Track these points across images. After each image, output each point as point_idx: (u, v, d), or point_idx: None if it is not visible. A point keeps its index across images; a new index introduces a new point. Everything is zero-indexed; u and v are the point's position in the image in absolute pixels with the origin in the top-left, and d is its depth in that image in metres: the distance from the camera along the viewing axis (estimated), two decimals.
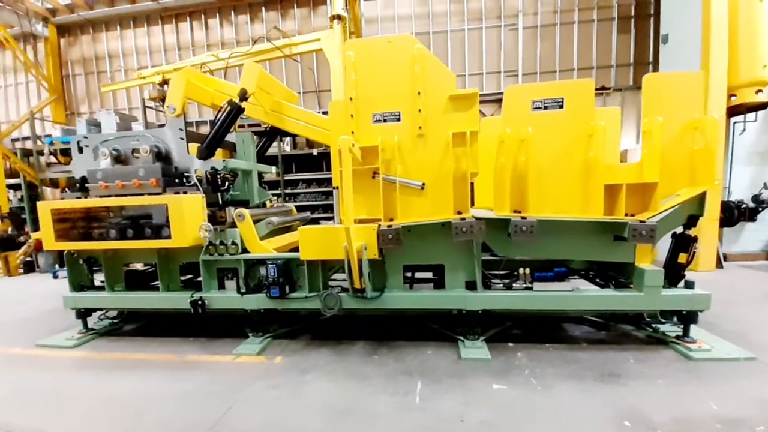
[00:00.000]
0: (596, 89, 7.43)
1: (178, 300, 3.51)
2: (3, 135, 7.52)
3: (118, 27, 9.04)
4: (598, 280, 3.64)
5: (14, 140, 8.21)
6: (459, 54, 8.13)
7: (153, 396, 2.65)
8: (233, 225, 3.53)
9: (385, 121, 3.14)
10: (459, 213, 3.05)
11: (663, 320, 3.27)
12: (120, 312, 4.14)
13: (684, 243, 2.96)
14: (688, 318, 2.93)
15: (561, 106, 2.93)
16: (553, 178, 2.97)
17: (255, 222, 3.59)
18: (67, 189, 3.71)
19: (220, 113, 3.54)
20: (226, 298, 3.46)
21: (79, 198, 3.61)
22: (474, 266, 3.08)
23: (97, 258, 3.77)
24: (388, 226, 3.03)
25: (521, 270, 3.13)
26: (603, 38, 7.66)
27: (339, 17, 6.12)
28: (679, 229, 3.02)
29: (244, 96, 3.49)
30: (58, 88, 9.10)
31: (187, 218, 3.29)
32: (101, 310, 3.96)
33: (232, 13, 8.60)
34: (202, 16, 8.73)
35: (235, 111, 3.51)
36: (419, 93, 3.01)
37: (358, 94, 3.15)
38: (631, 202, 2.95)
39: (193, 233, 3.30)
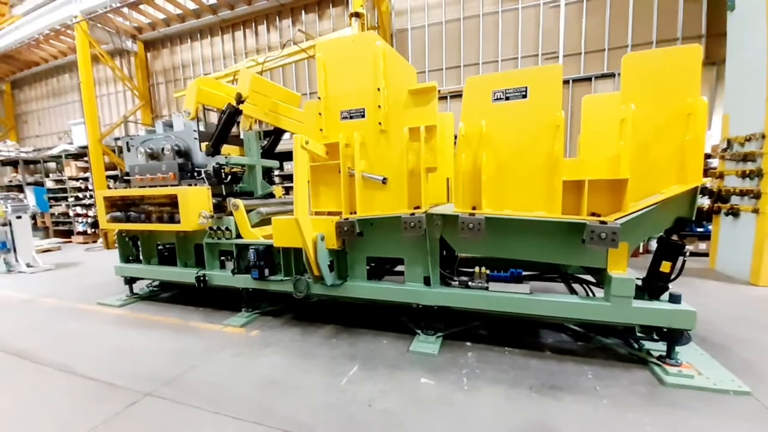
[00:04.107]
0: None
1: (190, 275, 4.16)
2: (103, 135, 9.39)
3: (189, 40, 10.49)
4: (585, 286, 3.30)
5: (116, 139, 10.13)
6: (492, 39, 7.65)
7: (147, 349, 3.27)
8: (231, 213, 4.04)
9: (351, 117, 3.27)
10: (417, 208, 3.06)
11: (657, 338, 2.86)
12: (161, 282, 5.03)
13: (669, 250, 2.54)
14: (670, 336, 2.54)
15: (524, 96, 2.72)
16: (515, 173, 2.78)
17: (249, 211, 4.06)
18: (117, 180, 4.61)
19: (222, 115, 4.03)
20: (223, 276, 3.99)
21: (123, 188, 4.48)
22: (427, 261, 3.07)
23: (137, 236, 4.65)
24: (346, 219, 3.19)
25: (477, 269, 3.02)
26: (666, 7, 6.48)
27: (357, 14, 6.30)
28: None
29: (239, 99, 3.92)
30: (146, 95, 10.97)
31: (192, 207, 3.87)
32: (141, 279, 4.86)
33: (277, 18, 9.33)
34: (253, 23, 9.65)
35: (233, 113, 3.96)
36: (379, 89, 3.06)
37: (328, 92, 3.32)
38: (607, 201, 2.63)
39: (196, 219, 3.88)
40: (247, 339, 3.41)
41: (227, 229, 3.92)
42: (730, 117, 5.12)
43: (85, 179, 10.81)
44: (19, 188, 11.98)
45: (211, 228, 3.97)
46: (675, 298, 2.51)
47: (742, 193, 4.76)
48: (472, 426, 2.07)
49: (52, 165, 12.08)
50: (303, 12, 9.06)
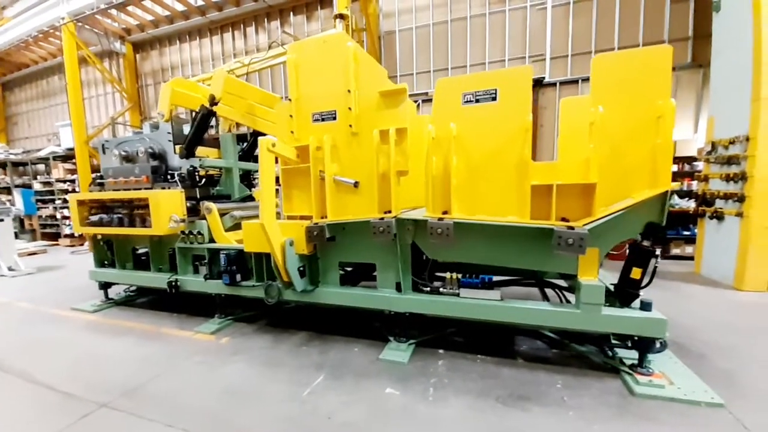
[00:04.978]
0: None
1: (163, 280, 4.07)
2: (90, 137, 9.30)
3: (178, 41, 10.43)
4: (558, 292, 3.24)
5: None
6: (479, 41, 7.61)
7: (113, 357, 3.18)
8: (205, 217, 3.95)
9: (323, 120, 3.20)
10: (388, 212, 2.99)
11: (630, 346, 2.79)
12: (138, 287, 4.93)
13: (639, 256, 2.48)
14: (642, 345, 2.47)
15: (494, 98, 2.66)
16: (486, 177, 2.72)
17: (223, 215, 3.98)
18: (92, 184, 4.52)
19: (195, 117, 3.95)
20: (195, 281, 3.90)
21: (98, 191, 4.39)
22: (398, 267, 3.00)
23: (112, 241, 4.55)
24: (315, 224, 3.12)
25: (448, 275, 2.95)
26: (653, 8, 6.46)
27: (342, 16, 6.26)
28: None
29: (213, 101, 3.84)
30: (134, 97, 10.90)
31: (163, 210, 3.79)
32: (115, 284, 4.76)
33: (265, 20, 9.28)
34: (241, 25, 9.60)
35: (206, 114, 3.89)
36: (349, 91, 3.00)
37: (299, 94, 3.25)
38: (578, 206, 2.56)
39: (168, 223, 3.80)
40: (216, 346, 3.33)
41: (199, 233, 3.85)
42: (715, 119, 5.09)
43: (72, 181, 10.70)
44: (8, 190, 11.86)
45: (183, 232, 3.89)
46: (646, 306, 2.44)
47: (726, 197, 4.71)
48: None
49: (40, 167, 11.96)
50: (291, 14, 9.02)
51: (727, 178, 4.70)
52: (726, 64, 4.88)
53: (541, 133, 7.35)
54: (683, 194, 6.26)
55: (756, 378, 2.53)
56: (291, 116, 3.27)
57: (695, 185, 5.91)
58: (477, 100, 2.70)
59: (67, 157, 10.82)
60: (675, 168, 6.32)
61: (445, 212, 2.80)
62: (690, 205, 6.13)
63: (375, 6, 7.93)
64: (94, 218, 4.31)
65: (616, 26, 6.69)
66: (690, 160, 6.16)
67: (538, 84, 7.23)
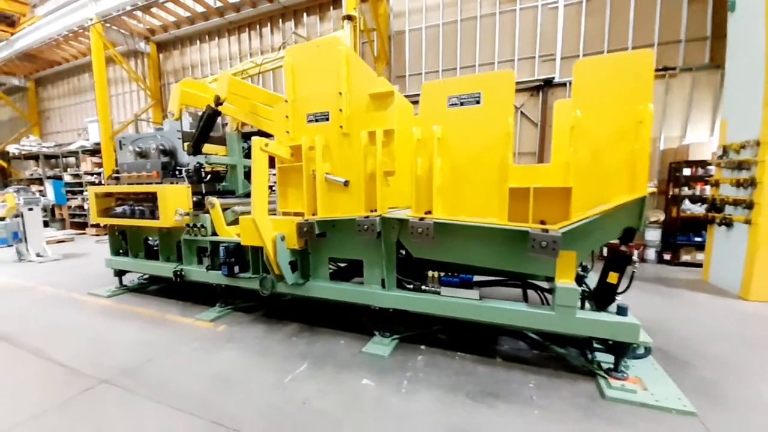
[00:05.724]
0: (657, 70, 6.25)
1: (169, 269, 4.32)
2: (115, 133, 9.82)
3: (198, 41, 10.83)
4: (540, 293, 3.25)
5: None
6: (489, 41, 7.56)
7: (119, 339, 3.43)
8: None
9: (317, 120, 3.33)
10: (373, 211, 3.09)
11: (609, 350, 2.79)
12: (151, 275, 5.23)
13: (616, 260, 2.48)
14: (617, 349, 2.48)
15: (478, 102, 2.72)
16: (470, 179, 2.78)
17: (226, 209, 4.18)
18: (109, 178, 4.84)
19: (201, 117, 4.16)
20: (198, 271, 4.13)
21: (114, 185, 4.70)
22: (383, 264, 3.10)
23: (125, 231, 4.86)
24: (306, 220, 3.26)
25: (430, 273, 3.03)
26: (670, 7, 6.23)
27: (349, 17, 6.37)
28: None
29: (218, 101, 4.05)
30: (157, 95, 11.41)
31: (170, 204, 4.03)
32: (129, 271, 5.07)
33: (280, 20, 9.51)
34: (257, 26, 9.87)
35: (211, 114, 4.09)
36: (340, 93, 3.11)
37: (296, 96, 3.40)
38: (558, 210, 2.58)
39: (174, 216, 4.04)
40: (213, 334, 3.53)
41: (203, 226, 4.06)
42: (728, 122, 4.90)
43: (99, 174, 11.33)
44: (40, 181, 12.67)
45: (188, 225, 4.12)
46: (622, 310, 2.45)
47: (736, 203, 4.55)
48: (394, 429, 2.09)
49: (71, 160, 12.72)
50: (305, 14, 9.21)
51: (738, 184, 4.53)
52: (740, 66, 4.69)
53: (549, 133, 7.24)
54: (695, 199, 6.05)
55: (738, 390, 2.49)
56: (287, 117, 3.42)
57: (708, 190, 5.71)
58: (462, 104, 2.76)
59: (95, 151, 11.46)
60: (688, 172, 6.11)
61: (428, 212, 2.88)
62: (702, 210, 5.92)
63: (385, 6, 7.99)
64: (109, 209, 4.61)
65: (630, 25, 6.50)
66: (704, 164, 5.94)
67: (548, 84, 7.13)
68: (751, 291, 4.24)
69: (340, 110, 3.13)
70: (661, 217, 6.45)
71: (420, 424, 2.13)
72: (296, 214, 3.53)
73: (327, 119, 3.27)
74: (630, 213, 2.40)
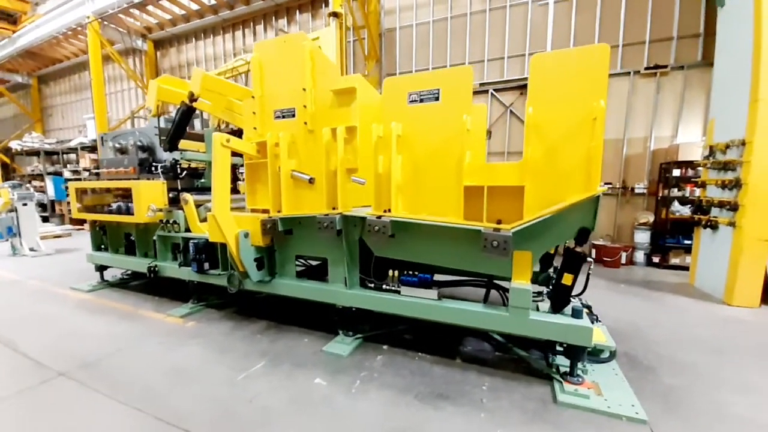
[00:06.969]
0: (647, 68, 6.15)
1: (145, 265, 4.35)
2: (112, 130, 9.92)
3: (194, 39, 10.89)
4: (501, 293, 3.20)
5: None
6: (479, 38, 7.47)
7: (89, 332, 3.46)
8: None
9: (283, 117, 3.31)
10: (334, 208, 3.07)
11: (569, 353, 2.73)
12: (133, 271, 5.27)
13: (570, 261, 2.42)
14: (571, 352, 2.42)
15: (437, 98, 2.67)
16: (429, 177, 2.74)
17: (199, 206, 4.19)
18: (89, 173, 4.88)
19: (177, 113, 4.17)
20: (171, 267, 4.15)
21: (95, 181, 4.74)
22: (345, 262, 3.07)
23: (105, 226, 4.90)
24: (270, 217, 3.24)
25: (390, 272, 2.99)
26: (662, 3, 6.08)
27: (335, 14, 6.34)
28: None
29: (192, 98, 4.04)
30: None
31: (144, 200, 4.05)
32: (110, 267, 5.12)
33: (273, 18, 9.52)
34: (251, 23, 9.89)
35: (186, 111, 4.09)
36: (304, 89, 3.09)
37: (263, 92, 3.38)
38: (515, 208, 2.53)
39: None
40: (181, 329, 3.54)
41: (176, 222, 4.08)
42: (715, 121, 4.78)
43: (97, 170, 11.47)
44: (41, 177, 12.88)
45: (162, 221, 4.13)
46: (577, 313, 2.39)
47: (721, 205, 4.43)
48: (333, 429, 2.07)
49: (71, 156, 12.90)
50: (298, 12, 9.20)
51: (723, 185, 4.42)
52: (728, 63, 4.57)
53: None
54: (684, 201, 5.91)
55: (698, 397, 2.42)
56: (254, 113, 3.41)
57: (698, 192, 5.58)
58: (421, 100, 2.72)
59: (93, 147, 11.59)
60: (678, 173, 5.98)
61: (387, 210, 2.84)
62: (687, 212, 5.79)
63: (376, 3, 7.94)
64: (89, 205, 4.66)
65: (621, 22, 6.37)
66: (694, 164, 5.80)
67: None
68: (734, 296, 4.13)
69: (305, 106, 3.11)
70: (651, 218, 6.34)
71: (359, 425, 2.10)
72: (264, 211, 3.52)
73: (293, 116, 3.25)
74: (584, 213, 2.33)
